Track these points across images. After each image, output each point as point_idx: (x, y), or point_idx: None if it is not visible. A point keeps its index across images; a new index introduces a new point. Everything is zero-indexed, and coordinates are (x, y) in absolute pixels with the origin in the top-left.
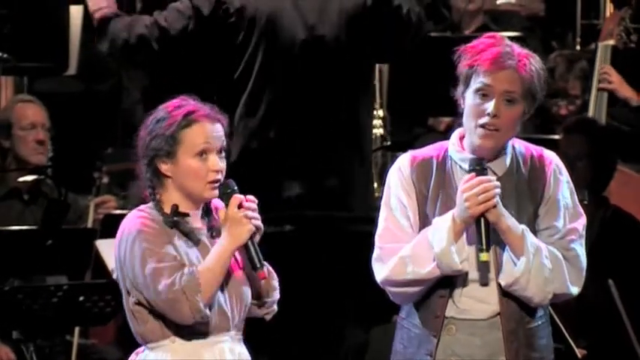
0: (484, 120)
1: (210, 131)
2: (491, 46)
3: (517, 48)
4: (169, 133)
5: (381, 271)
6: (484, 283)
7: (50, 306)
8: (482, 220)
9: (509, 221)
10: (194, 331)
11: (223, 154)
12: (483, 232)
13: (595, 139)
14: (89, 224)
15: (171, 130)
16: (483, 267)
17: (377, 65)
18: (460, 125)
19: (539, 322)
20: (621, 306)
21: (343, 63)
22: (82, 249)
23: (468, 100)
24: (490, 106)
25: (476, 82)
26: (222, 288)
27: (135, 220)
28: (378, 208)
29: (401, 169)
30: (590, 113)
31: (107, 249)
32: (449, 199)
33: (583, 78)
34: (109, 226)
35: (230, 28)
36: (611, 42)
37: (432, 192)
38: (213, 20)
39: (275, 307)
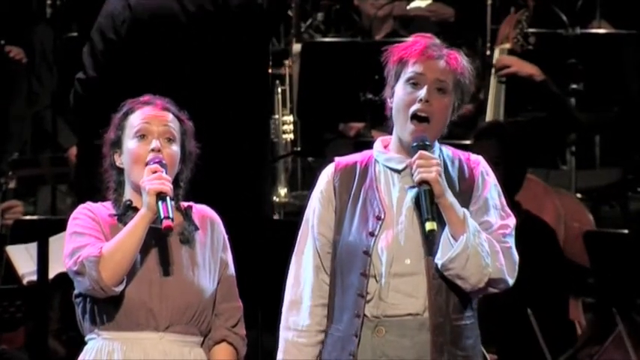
0: (415, 107)
1: (150, 115)
2: (418, 40)
3: (445, 46)
4: (117, 122)
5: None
6: (418, 260)
7: None
8: (427, 190)
9: (452, 198)
10: (115, 325)
11: (174, 145)
12: (428, 201)
13: (506, 144)
14: None
15: (119, 119)
16: (426, 241)
17: (287, 70)
18: (390, 127)
19: (467, 322)
20: (540, 335)
21: (240, 59)
22: None
23: (399, 92)
24: (422, 92)
25: (406, 73)
26: (149, 287)
27: (76, 210)
28: (287, 214)
29: (324, 175)
30: (488, 117)
31: (17, 255)
32: (368, 198)
33: (477, 76)
34: (19, 232)
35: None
36: (508, 45)
37: (354, 193)
38: (120, 39)
39: None
